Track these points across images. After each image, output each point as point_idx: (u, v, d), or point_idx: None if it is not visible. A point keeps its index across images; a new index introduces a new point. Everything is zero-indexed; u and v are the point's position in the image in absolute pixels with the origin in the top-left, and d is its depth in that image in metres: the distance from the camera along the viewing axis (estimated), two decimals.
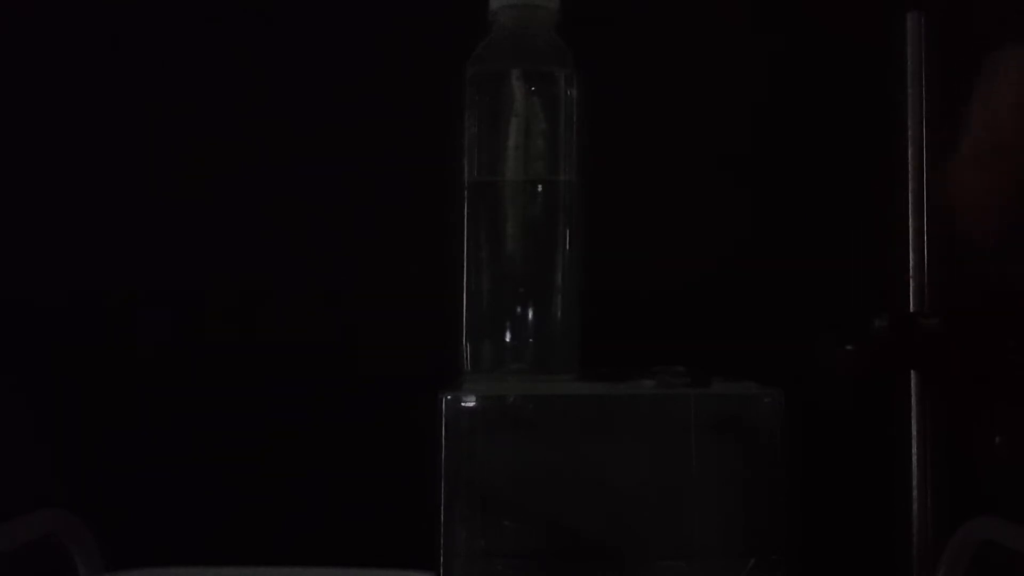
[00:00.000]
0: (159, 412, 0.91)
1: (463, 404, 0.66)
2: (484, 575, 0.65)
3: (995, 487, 0.81)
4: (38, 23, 0.93)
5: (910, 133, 0.83)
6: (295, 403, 0.91)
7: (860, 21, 0.90)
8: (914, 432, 0.81)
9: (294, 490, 0.90)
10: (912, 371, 0.81)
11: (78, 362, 0.91)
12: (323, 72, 0.92)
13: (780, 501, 0.66)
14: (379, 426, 0.89)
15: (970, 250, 0.67)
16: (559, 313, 0.75)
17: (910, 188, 0.83)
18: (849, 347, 0.69)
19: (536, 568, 0.65)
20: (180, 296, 0.92)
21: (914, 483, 0.81)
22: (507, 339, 0.74)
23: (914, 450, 0.82)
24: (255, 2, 0.93)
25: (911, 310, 0.82)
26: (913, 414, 0.82)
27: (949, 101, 0.85)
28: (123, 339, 0.91)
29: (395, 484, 0.87)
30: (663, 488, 0.65)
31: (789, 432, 0.69)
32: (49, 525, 0.77)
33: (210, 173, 0.92)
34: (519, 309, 0.74)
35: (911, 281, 0.83)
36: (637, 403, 0.67)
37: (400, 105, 0.91)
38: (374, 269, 0.91)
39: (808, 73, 0.91)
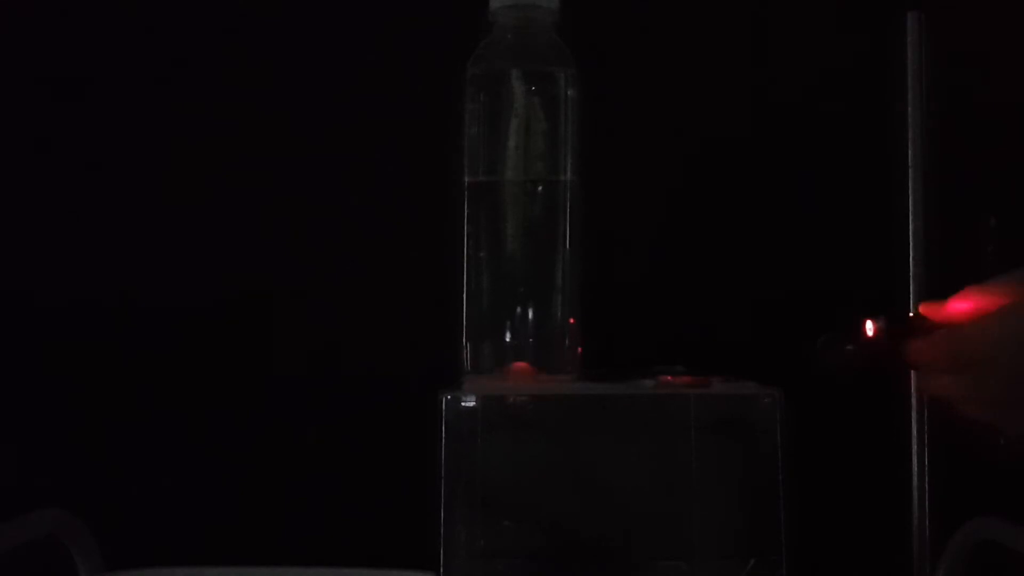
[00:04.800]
0: (159, 412, 0.91)
1: (463, 404, 0.66)
2: (484, 575, 0.65)
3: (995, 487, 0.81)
4: (38, 24, 0.93)
5: (910, 133, 0.83)
6: (295, 403, 0.90)
7: (860, 21, 0.90)
8: (914, 432, 0.81)
9: (294, 490, 0.90)
10: (912, 371, 0.81)
11: (78, 362, 0.91)
12: (323, 72, 0.92)
13: (780, 501, 0.66)
14: (379, 426, 0.89)
15: None
16: (559, 313, 0.75)
17: (910, 188, 0.83)
18: (849, 347, 0.69)
19: (536, 568, 0.64)
20: (180, 296, 0.92)
21: (914, 483, 0.81)
22: (507, 339, 0.74)
23: (914, 450, 0.81)
24: (256, 3, 0.93)
25: (911, 310, 0.82)
26: (913, 414, 0.81)
27: (949, 101, 0.85)
28: (124, 339, 0.91)
29: (395, 484, 0.87)
30: (663, 488, 0.65)
31: (789, 432, 0.69)
32: (49, 525, 0.77)
33: (210, 173, 0.92)
34: (519, 309, 0.74)
35: (911, 281, 0.83)
36: (637, 403, 0.67)
37: (400, 105, 0.91)
38: (374, 269, 0.91)
39: (808, 73, 0.91)
